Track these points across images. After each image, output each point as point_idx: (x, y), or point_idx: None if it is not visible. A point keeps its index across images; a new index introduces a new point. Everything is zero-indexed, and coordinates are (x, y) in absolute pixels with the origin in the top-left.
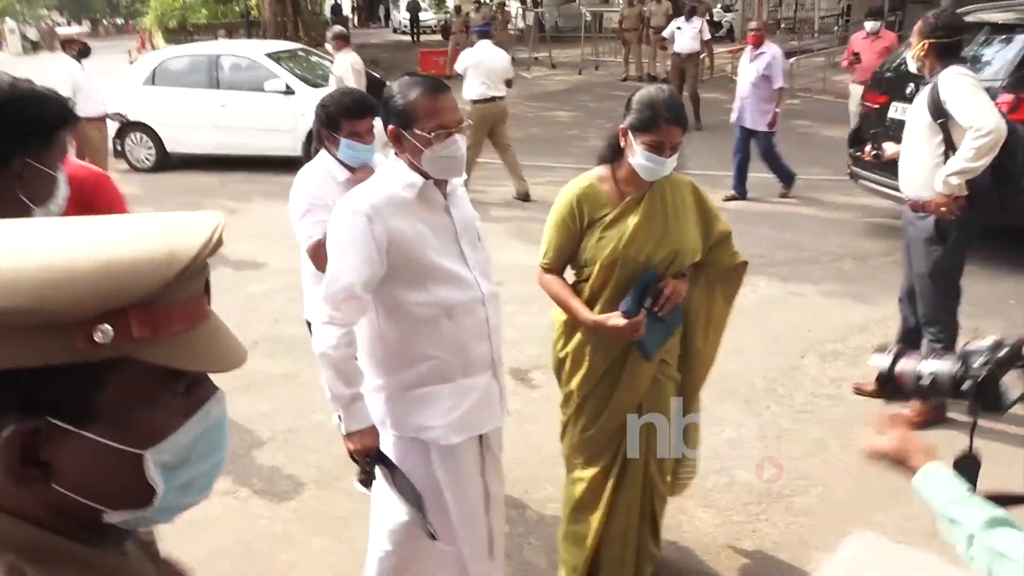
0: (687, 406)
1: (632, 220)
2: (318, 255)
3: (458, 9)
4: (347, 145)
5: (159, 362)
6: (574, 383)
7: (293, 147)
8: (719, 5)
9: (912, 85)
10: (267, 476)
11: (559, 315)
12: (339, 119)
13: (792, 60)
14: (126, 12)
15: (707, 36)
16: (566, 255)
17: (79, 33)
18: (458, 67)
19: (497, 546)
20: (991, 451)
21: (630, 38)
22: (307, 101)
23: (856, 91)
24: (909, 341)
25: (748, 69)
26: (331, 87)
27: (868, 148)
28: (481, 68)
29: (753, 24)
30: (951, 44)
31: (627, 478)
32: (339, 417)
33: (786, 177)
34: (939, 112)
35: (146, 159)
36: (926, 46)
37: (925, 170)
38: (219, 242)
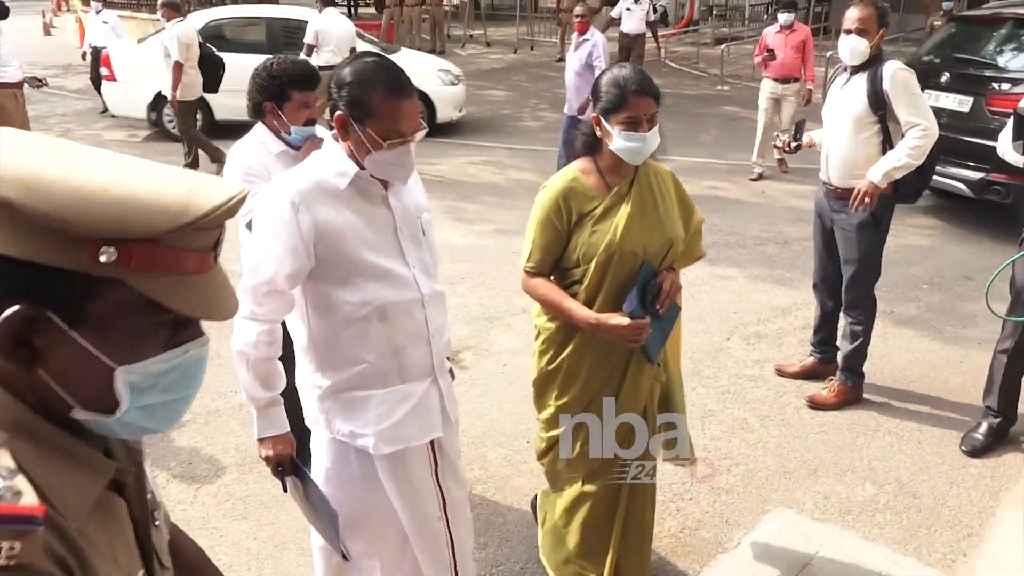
0: (674, 396)
1: (624, 210)
2: None
3: None
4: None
5: (147, 294)
6: (568, 396)
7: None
8: None
9: (947, 75)
10: (186, 459)
11: (544, 324)
12: (289, 90)
13: (723, 47)
14: None
15: (651, 17)
16: (553, 256)
17: None
18: (307, 38)
19: (463, 559)
20: None
21: (566, 19)
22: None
23: (767, 86)
24: (826, 325)
25: (572, 58)
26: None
27: (786, 138)
28: (328, 36)
29: (578, 9)
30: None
31: (638, 486)
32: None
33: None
34: (879, 104)
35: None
36: (883, 34)
37: (859, 161)
38: (230, 210)
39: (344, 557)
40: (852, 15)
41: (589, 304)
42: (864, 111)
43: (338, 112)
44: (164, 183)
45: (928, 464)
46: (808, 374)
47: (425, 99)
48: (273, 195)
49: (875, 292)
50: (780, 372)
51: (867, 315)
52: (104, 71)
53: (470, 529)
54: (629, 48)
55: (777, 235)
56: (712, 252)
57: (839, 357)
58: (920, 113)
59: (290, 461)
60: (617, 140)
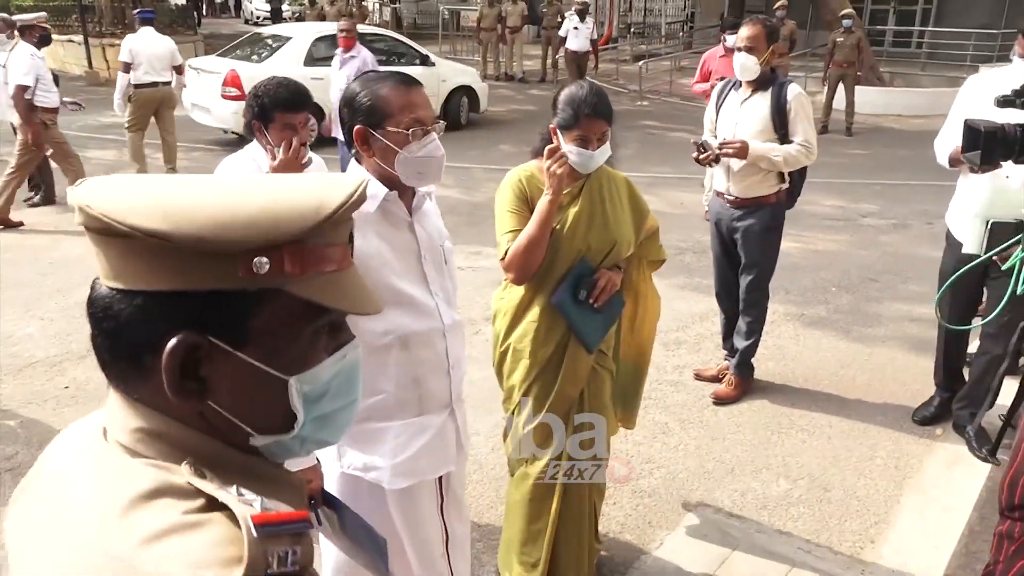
0: (635, 389)
1: (571, 210)
2: None
3: (312, 2)
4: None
5: (306, 296)
6: (515, 377)
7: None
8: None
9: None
10: None
11: (501, 308)
12: (272, 111)
13: (641, 63)
14: None
15: (595, 36)
16: None
17: (38, 18)
18: (122, 56)
19: None
20: None
21: (486, 38)
22: (446, 69)
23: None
24: (733, 330)
25: (339, 76)
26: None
27: (706, 153)
28: (143, 54)
29: (342, 24)
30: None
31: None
32: None
33: None
34: (783, 123)
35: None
36: (774, 51)
37: (760, 173)
38: (361, 198)
39: None
40: (742, 34)
41: (534, 292)
42: (767, 128)
43: (355, 128)
44: (292, 188)
45: (838, 458)
46: (725, 376)
47: (471, 93)
48: None
49: (787, 296)
50: (698, 376)
51: (763, 312)
52: None
53: (467, 561)
54: (577, 64)
55: (695, 244)
56: None
57: (737, 353)
58: (811, 136)
59: (322, 493)
60: (568, 153)
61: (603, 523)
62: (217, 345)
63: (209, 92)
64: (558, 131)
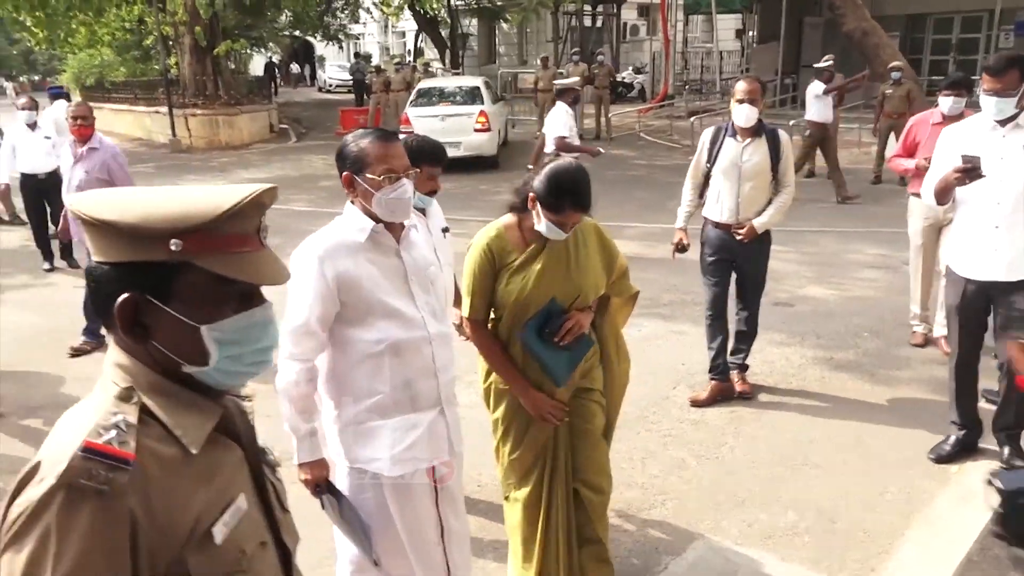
0: (609, 423)
1: (536, 267)
2: None
3: (378, 69)
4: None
5: (209, 268)
6: (499, 412)
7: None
8: (631, 67)
9: None
10: None
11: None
12: (420, 163)
13: (693, 119)
14: (44, 69)
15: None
16: (487, 302)
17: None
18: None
19: None
20: None
21: (542, 99)
22: (497, 110)
23: (919, 208)
24: (723, 353)
25: (75, 173)
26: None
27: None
28: (61, 123)
29: (76, 111)
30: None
31: (555, 499)
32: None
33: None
34: (776, 163)
35: None
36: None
37: (762, 203)
38: (252, 203)
39: (375, 564)
40: (742, 87)
41: (509, 333)
42: (768, 168)
43: (344, 173)
44: (202, 195)
45: (849, 492)
46: (717, 396)
47: None
48: (304, 252)
49: (817, 341)
50: (695, 403)
51: (757, 318)
52: None
53: (468, 561)
54: None
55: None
56: (668, 310)
57: (741, 362)
58: (791, 177)
59: (326, 483)
60: (543, 225)
61: (613, 547)
62: (151, 301)
63: None
64: (538, 202)
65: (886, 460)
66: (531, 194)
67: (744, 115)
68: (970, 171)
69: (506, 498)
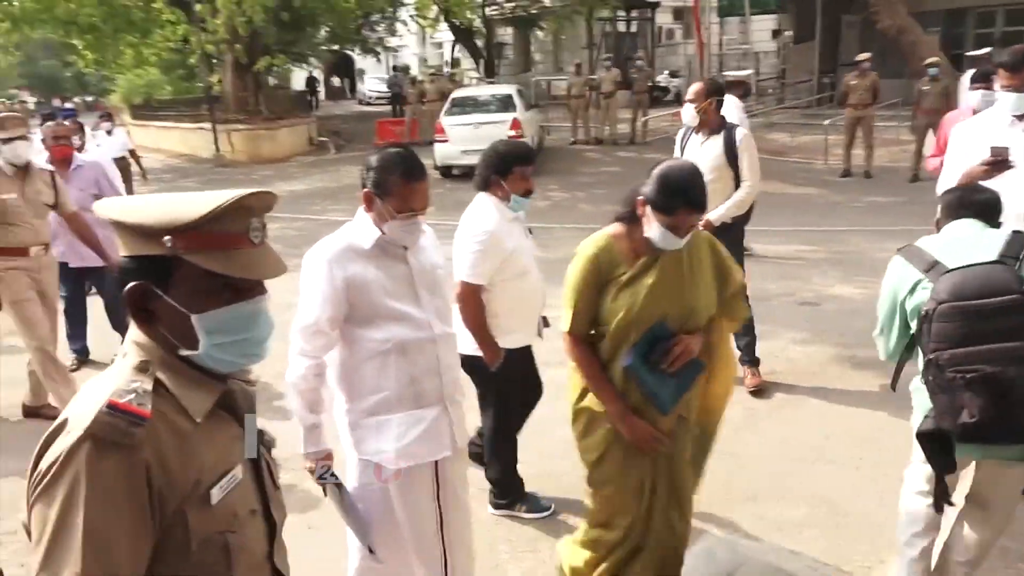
0: (704, 444)
1: (647, 281)
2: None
3: (413, 80)
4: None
5: (199, 263)
6: (591, 439)
7: None
8: (666, 71)
9: None
10: None
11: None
12: (513, 165)
13: None
14: (95, 90)
15: None
16: (590, 316)
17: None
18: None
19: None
20: None
21: (576, 105)
22: (531, 117)
23: None
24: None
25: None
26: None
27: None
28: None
29: (60, 130)
30: (721, 101)
31: (648, 545)
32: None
33: None
34: (733, 160)
35: None
36: (713, 103)
37: (719, 201)
38: (234, 206)
39: (370, 551)
40: (690, 89)
41: (611, 353)
42: (723, 164)
43: (365, 190)
44: (196, 197)
45: (862, 488)
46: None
47: None
48: (315, 255)
49: (840, 339)
50: (754, 389)
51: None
52: None
53: (467, 556)
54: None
55: (757, 292)
56: None
57: (751, 357)
58: (752, 173)
59: (329, 472)
60: (655, 231)
61: None
62: (153, 290)
63: None
64: (649, 206)
65: (901, 456)
66: (639, 198)
67: (689, 114)
68: (999, 163)
69: (581, 536)
